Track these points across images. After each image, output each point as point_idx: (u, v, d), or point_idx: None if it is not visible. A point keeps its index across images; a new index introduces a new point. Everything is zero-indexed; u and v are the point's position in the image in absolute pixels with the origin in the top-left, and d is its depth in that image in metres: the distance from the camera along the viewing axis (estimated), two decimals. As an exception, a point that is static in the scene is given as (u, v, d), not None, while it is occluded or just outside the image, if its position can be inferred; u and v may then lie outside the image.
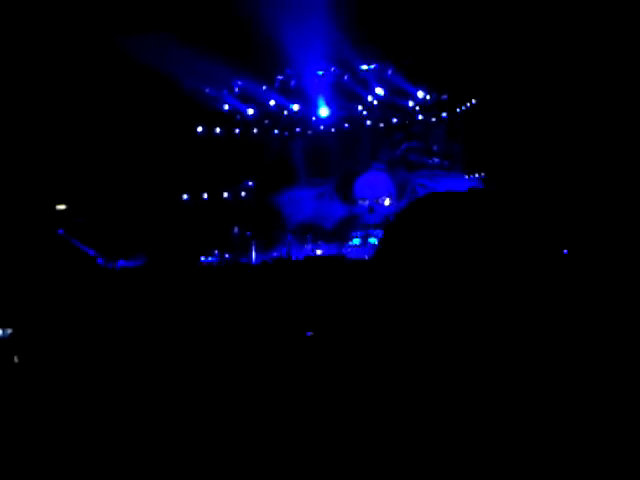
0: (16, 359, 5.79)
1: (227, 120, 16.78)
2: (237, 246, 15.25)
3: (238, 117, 16.87)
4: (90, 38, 13.87)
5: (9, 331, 6.29)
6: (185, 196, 16.03)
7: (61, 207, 14.26)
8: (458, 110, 16.19)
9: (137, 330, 6.95)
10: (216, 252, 14.96)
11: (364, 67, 16.45)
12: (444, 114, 16.46)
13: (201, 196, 16.26)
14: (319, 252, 15.31)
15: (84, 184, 14.38)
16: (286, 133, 17.16)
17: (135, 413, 4.78)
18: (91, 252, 10.79)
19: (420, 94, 16.40)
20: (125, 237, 13.53)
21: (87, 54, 14.00)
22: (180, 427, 4.30)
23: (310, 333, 6.66)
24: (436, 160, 16.52)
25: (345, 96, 16.72)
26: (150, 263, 12.22)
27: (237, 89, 16.75)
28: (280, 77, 16.74)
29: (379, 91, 16.49)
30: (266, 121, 17.10)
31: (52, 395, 5.06)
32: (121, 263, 12.26)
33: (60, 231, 11.40)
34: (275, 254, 14.66)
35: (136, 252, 12.75)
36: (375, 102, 16.67)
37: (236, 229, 15.68)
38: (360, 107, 16.81)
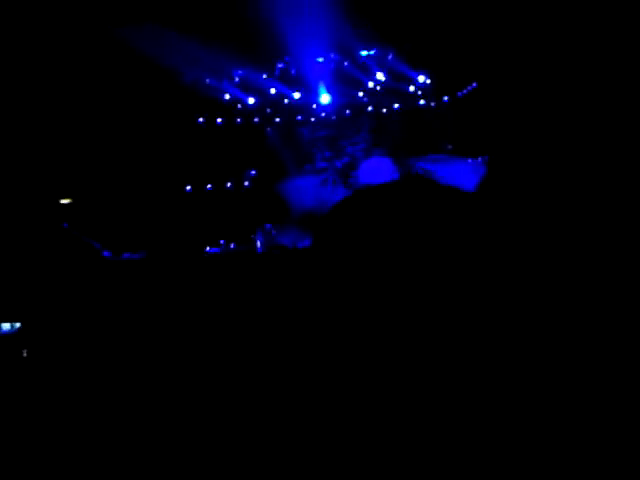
0: (25, 353, 5.82)
1: (228, 110, 16.75)
2: (242, 235, 15.25)
3: (239, 106, 16.84)
4: (88, 29, 13.85)
5: (17, 325, 6.32)
6: (188, 187, 16.03)
7: (65, 201, 14.29)
8: (459, 94, 16.15)
9: (143, 321, 6.98)
10: (221, 242, 14.97)
11: (364, 53, 16.41)
12: (445, 98, 16.42)
13: (204, 186, 16.25)
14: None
15: (87, 177, 14.40)
16: (288, 121, 17.13)
17: (139, 406, 4.79)
18: (96, 245, 10.80)
19: (421, 78, 16.36)
20: (129, 229, 13.55)
21: (85, 45, 13.98)
22: (183, 420, 4.31)
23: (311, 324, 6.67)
24: (439, 144, 16.48)
25: (346, 82, 16.68)
26: (155, 254, 12.24)
27: (237, 78, 16.72)
28: (280, 65, 16.71)
29: (380, 76, 16.45)
30: (267, 110, 17.07)
31: (59, 389, 5.08)
32: (126, 255, 12.28)
33: (65, 225, 11.41)
34: (281, 243, 14.66)
35: (141, 244, 12.77)
36: (376, 87, 16.63)
37: (240, 218, 15.67)
38: (361, 93, 16.77)
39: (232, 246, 15.02)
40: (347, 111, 16.91)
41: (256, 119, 17.01)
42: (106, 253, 11.37)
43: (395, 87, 16.60)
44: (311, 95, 16.75)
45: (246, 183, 16.73)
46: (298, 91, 16.69)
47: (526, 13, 12.46)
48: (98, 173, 14.43)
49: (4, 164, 12.75)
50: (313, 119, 17.04)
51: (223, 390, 5.10)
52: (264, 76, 16.70)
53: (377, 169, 16.46)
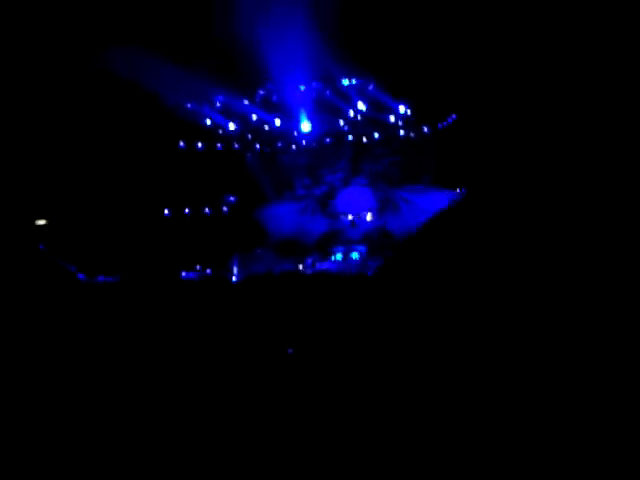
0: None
1: (209, 135, 16.75)
2: (219, 261, 15.18)
3: (220, 131, 16.85)
4: (71, 51, 13.84)
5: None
6: (166, 211, 15.97)
7: (41, 222, 14.17)
8: (439, 125, 16.26)
9: (118, 343, 6.89)
10: (198, 267, 14.90)
11: (346, 82, 16.50)
12: (425, 129, 16.52)
13: (183, 211, 16.19)
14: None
15: (65, 198, 14.30)
16: (268, 148, 17.16)
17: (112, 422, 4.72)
18: (71, 267, 10.69)
19: (401, 109, 16.46)
20: (105, 252, 13.44)
21: (67, 66, 13.95)
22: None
23: (291, 350, 6.63)
24: (418, 175, 16.54)
25: (327, 111, 16.75)
26: (130, 278, 12.14)
27: (219, 104, 16.75)
28: (262, 92, 16.77)
29: (361, 106, 16.54)
30: (248, 136, 17.09)
31: (26, 410, 4.99)
32: (101, 278, 12.16)
33: (40, 245, 11.30)
34: (257, 269, 14.61)
35: (116, 267, 12.67)
36: (357, 117, 16.71)
37: (217, 244, 15.61)
38: (342, 122, 16.84)
39: (208, 271, 14.94)
40: (327, 139, 16.97)
41: (236, 145, 17.02)
42: (81, 276, 11.26)
43: (376, 117, 16.69)
44: (292, 122, 16.81)
45: (225, 208, 16.69)
46: (279, 118, 16.75)
47: (506, 48, 12.61)
48: (75, 194, 14.33)
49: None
50: (293, 146, 17.08)
51: (195, 409, 5.03)
52: (245, 102, 16.74)
53: (355, 198, 16.50)
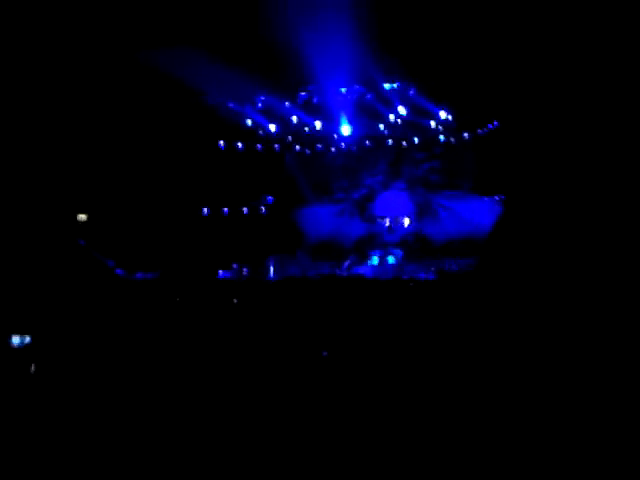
0: (33, 367, 5.83)
1: (249, 135, 16.84)
2: (256, 261, 15.24)
3: (260, 132, 16.93)
4: (118, 50, 14.02)
5: (27, 339, 6.33)
6: (205, 209, 16.08)
7: (83, 217, 14.36)
8: (480, 132, 16.17)
9: (152, 340, 6.97)
10: (234, 266, 14.97)
11: (387, 86, 16.48)
12: (465, 135, 16.44)
13: (221, 210, 16.29)
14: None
15: (106, 195, 14.47)
16: (308, 150, 17.20)
17: (142, 419, 4.79)
18: (110, 263, 10.84)
19: (442, 114, 16.41)
20: (144, 249, 13.58)
21: (115, 66, 14.14)
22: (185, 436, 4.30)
23: (326, 353, 6.65)
24: (456, 181, 16.47)
25: (367, 114, 16.75)
26: (167, 275, 12.26)
27: (260, 104, 16.83)
28: (303, 94, 16.82)
29: (401, 110, 16.51)
30: (288, 137, 17.16)
31: (67, 402, 5.08)
32: (139, 275, 12.30)
33: (81, 241, 11.47)
34: (294, 271, 14.65)
35: (155, 264, 12.80)
36: (397, 121, 16.69)
37: (255, 244, 15.68)
38: (382, 126, 16.82)
39: (245, 270, 15.01)
40: (367, 143, 16.97)
41: (276, 146, 17.09)
42: (119, 271, 11.41)
43: (416, 121, 16.65)
44: (332, 125, 16.83)
45: (263, 209, 16.77)
46: (320, 120, 16.78)
47: (549, 57, 12.51)
48: (117, 190, 14.50)
49: (26, 177, 12.86)
50: (333, 149, 17.11)
51: (226, 408, 5.07)
52: (287, 103, 16.80)
53: (393, 202, 16.48)
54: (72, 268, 8.47)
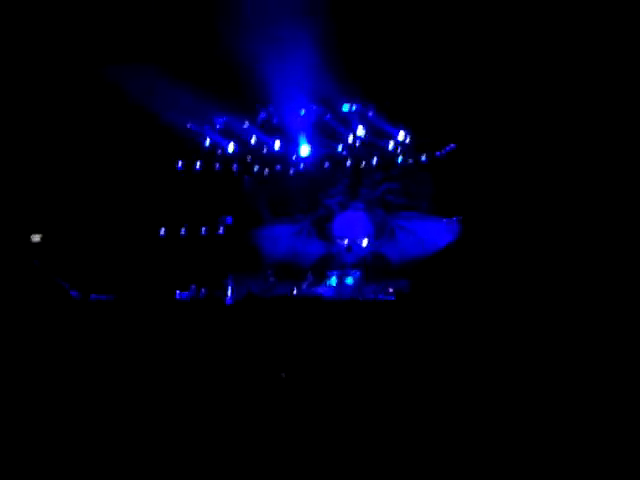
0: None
1: (207, 155, 16.78)
2: (213, 282, 15.14)
3: (219, 152, 16.88)
4: (73, 66, 13.89)
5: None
6: (162, 230, 15.95)
7: (36, 238, 14.14)
8: (437, 153, 16.31)
9: (110, 360, 6.86)
10: (192, 287, 14.85)
11: (346, 106, 16.55)
12: (423, 157, 16.57)
13: (179, 231, 16.19)
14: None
15: (60, 215, 14.27)
16: (266, 170, 17.19)
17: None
18: (65, 284, 10.67)
19: (401, 136, 16.51)
20: (100, 270, 13.41)
21: (68, 82, 14.00)
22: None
23: (284, 374, 6.60)
24: (414, 202, 16.57)
25: (326, 135, 16.80)
26: (123, 297, 12.10)
27: (219, 124, 16.78)
28: (263, 114, 16.81)
29: (360, 131, 16.59)
30: (247, 157, 17.13)
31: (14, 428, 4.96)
32: (94, 296, 12.11)
33: (35, 262, 11.27)
34: (252, 291, 14.57)
35: (110, 285, 12.63)
36: (356, 142, 16.76)
37: (213, 264, 15.57)
38: (341, 146, 16.88)
39: (203, 292, 14.90)
40: (326, 163, 17.01)
41: (235, 166, 17.06)
42: (74, 293, 11.23)
43: (375, 143, 16.74)
44: (291, 145, 16.84)
45: (221, 229, 16.70)
46: (279, 140, 16.78)
47: (507, 80, 12.70)
48: (71, 211, 14.31)
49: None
50: (292, 169, 17.12)
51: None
52: (246, 123, 16.77)
53: (352, 223, 16.52)
54: (26, 289, 8.32)
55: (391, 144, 16.68)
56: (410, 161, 16.73)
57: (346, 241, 16.39)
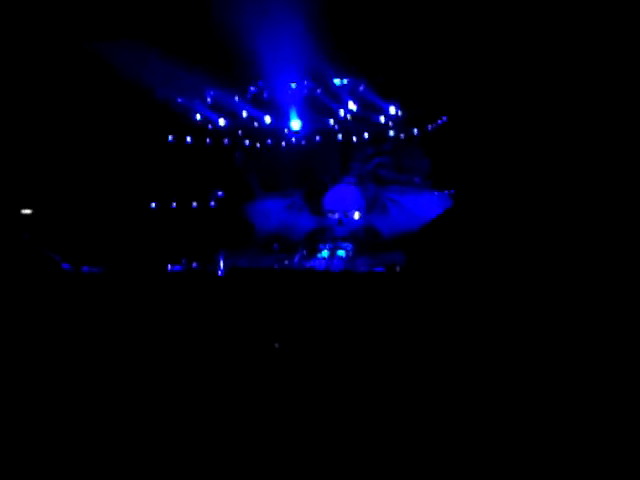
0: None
1: (198, 130, 16.74)
2: (205, 255, 15.15)
3: (210, 127, 16.85)
4: (62, 41, 13.78)
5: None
6: (153, 204, 15.95)
7: (27, 211, 14.09)
8: (429, 127, 16.31)
9: (101, 334, 6.86)
10: (183, 260, 14.87)
11: (337, 81, 16.51)
12: (415, 130, 16.56)
13: (170, 204, 16.19)
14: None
15: (51, 188, 14.23)
16: (257, 144, 17.18)
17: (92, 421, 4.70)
18: (56, 257, 10.64)
19: (392, 110, 16.49)
20: (92, 243, 13.39)
21: (59, 57, 13.90)
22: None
23: (278, 345, 6.63)
24: (406, 176, 16.59)
25: (317, 109, 16.76)
26: (115, 269, 12.10)
27: (209, 99, 16.73)
28: (253, 88, 16.75)
29: (351, 105, 16.55)
30: (238, 132, 17.11)
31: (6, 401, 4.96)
32: (85, 269, 12.11)
33: (25, 235, 11.23)
34: (244, 264, 14.60)
35: (102, 258, 12.63)
36: (347, 116, 16.73)
37: (204, 238, 15.58)
38: (332, 121, 16.86)
39: (194, 265, 14.92)
40: (317, 138, 17.00)
41: (226, 140, 17.04)
42: (65, 265, 11.21)
43: (366, 117, 16.71)
44: (282, 120, 16.81)
45: (212, 203, 16.70)
46: (269, 115, 16.74)
47: (498, 52, 12.66)
48: (62, 184, 14.27)
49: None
50: (283, 143, 17.11)
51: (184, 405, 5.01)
52: (236, 98, 16.72)
53: (343, 197, 16.53)
54: (17, 262, 8.31)
55: (382, 118, 16.66)
56: (401, 135, 16.73)
57: (337, 214, 16.41)
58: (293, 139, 17.08)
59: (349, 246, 15.77)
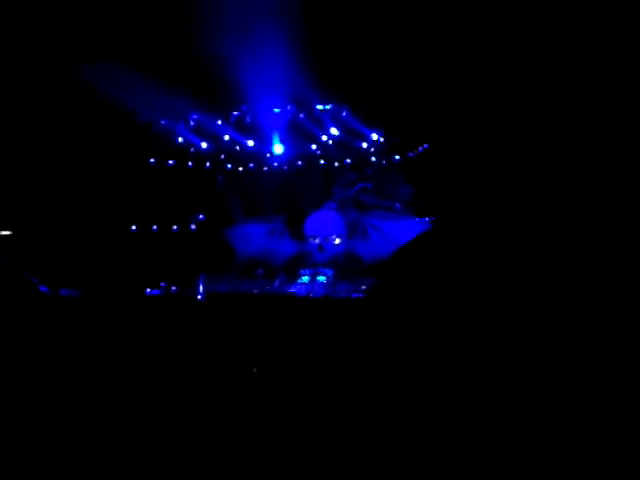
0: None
1: (181, 153, 16.73)
2: (185, 279, 15.08)
3: (192, 150, 16.84)
4: (43, 63, 13.77)
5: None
6: (134, 226, 15.88)
7: (4, 233, 13.99)
8: (411, 154, 16.40)
9: (78, 357, 6.80)
10: (162, 284, 14.78)
11: (320, 107, 16.60)
12: (397, 157, 16.64)
13: (150, 227, 16.12)
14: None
15: (30, 210, 14.15)
16: (240, 168, 17.19)
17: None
18: (34, 279, 10.55)
19: (374, 136, 16.58)
20: (71, 266, 13.30)
21: (40, 78, 13.89)
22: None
23: (256, 370, 6.59)
24: (388, 202, 16.65)
25: (300, 134, 16.81)
26: (93, 292, 12.02)
27: (192, 122, 16.75)
28: (236, 112, 16.80)
29: (334, 131, 16.63)
30: (220, 156, 17.11)
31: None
32: (63, 292, 12.01)
33: (2, 257, 11.14)
34: (224, 289, 14.55)
35: (81, 281, 12.54)
36: (329, 142, 16.79)
37: (184, 262, 15.51)
38: (314, 146, 16.91)
39: (173, 289, 14.83)
40: (299, 162, 17.03)
41: (208, 164, 17.04)
42: (43, 288, 11.11)
43: (348, 143, 16.79)
44: (265, 144, 16.84)
45: (193, 226, 16.66)
46: (252, 139, 16.77)
47: (479, 82, 12.80)
48: (42, 206, 14.19)
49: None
50: (265, 168, 17.12)
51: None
52: (219, 122, 16.75)
53: (324, 222, 16.53)
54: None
55: (365, 144, 16.74)
56: (383, 161, 16.80)
57: (318, 240, 16.39)
58: (275, 163, 17.10)
59: (330, 272, 15.75)
